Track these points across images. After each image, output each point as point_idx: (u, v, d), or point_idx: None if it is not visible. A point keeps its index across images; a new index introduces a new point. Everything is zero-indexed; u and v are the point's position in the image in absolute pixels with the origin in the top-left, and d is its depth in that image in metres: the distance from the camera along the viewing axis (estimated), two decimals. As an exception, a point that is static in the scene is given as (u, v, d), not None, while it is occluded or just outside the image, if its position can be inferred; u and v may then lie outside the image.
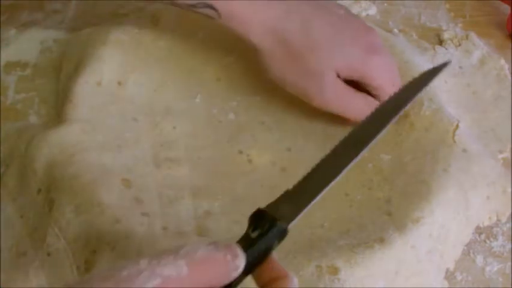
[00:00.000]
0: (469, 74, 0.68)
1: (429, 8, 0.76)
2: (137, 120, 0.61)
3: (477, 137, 0.61)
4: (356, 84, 0.59)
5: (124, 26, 0.66)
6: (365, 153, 0.42)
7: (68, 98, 0.60)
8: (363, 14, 0.75)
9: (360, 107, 0.58)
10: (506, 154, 0.62)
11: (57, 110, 0.63)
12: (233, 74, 0.65)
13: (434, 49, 0.70)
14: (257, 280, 0.38)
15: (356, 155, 0.42)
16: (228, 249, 0.36)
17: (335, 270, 0.49)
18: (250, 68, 0.64)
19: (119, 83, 0.63)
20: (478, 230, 0.56)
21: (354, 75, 0.58)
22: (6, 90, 0.67)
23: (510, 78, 0.67)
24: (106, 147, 0.57)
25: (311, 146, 0.60)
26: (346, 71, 0.58)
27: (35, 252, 0.53)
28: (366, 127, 0.44)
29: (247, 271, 0.37)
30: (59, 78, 0.66)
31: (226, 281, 0.36)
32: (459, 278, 0.54)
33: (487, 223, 0.57)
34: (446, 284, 0.53)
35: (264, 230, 0.38)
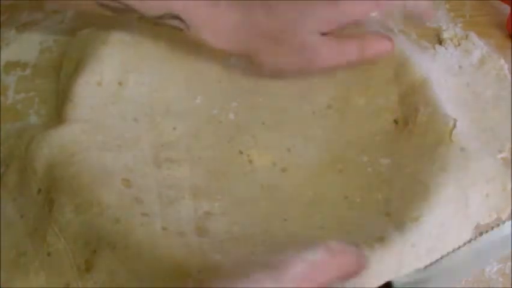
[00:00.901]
0: (469, 74, 0.67)
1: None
2: (137, 121, 0.61)
3: (476, 136, 0.61)
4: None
5: (125, 26, 0.66)
6: None
7: (68, 98, 0.60)
8: (363, 14, 0.75)
9: (354, 48, 0.60)
10: (506, 154, 0.61)
11: (58, 110, 0.62)
12: (234, 75, 0.65)
13: (434, 48, 0.70)
14: None
15: None
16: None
17: (335, 270, 0.49)
18: (250, 69, 0.64)
19: (120, 83, 0.62)
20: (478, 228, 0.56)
21: (335, 25, 0.60)
22: (6, 90, 0.66)
23: (510, 78, 0.67)
24: (106, 147, 0.57)
25: (311, 147, 0.60)
26: (325, 26, 0.59)
27: (35, 252, 0.53)
28: None
29: None
30: (59, 78, 0.66)
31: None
32: (459, 277, 0.54)
33: (487, 221, 0.57)
34: (446, 283, 0.53)
35: None
